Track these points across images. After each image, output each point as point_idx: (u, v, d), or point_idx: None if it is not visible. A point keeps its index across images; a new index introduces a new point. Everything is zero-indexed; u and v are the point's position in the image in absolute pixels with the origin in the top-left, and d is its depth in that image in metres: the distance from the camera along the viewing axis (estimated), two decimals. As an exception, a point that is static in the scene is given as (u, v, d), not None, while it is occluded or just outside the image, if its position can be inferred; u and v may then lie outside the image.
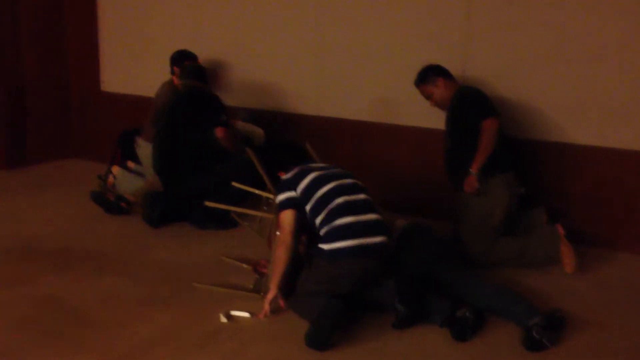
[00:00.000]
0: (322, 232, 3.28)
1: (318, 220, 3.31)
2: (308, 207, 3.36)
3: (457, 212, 4.15)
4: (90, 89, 6.64)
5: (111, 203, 4.94)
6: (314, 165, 3.60)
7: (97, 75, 6.58)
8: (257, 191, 4.05)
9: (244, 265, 3.92)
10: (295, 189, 3.40)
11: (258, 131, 5.28)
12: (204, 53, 5.64)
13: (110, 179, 5.39)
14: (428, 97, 4.26)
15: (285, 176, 3.52)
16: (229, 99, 5.63)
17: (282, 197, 3.42)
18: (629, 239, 4.33)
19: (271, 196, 3.97)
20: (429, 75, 4.24)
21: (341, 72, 5.21)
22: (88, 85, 6.65)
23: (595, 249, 4.33)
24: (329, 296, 3.14)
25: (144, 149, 5.14)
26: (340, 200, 3.31)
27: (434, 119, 4.57)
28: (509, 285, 3.71)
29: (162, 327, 3.21)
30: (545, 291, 3.72)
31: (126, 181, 5.26)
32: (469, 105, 4.07)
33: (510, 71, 4.53)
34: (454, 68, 4.39)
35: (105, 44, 6.51)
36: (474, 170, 3.92)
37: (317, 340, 3.01)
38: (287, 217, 3.37)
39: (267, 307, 3.29)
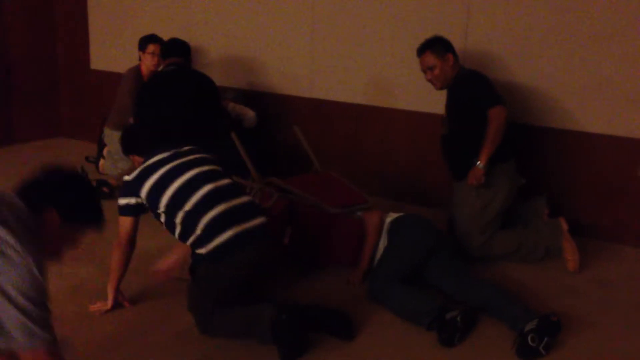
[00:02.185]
0: (193, 235, 2.84)
1: (178, 221, 2.86)
2: (160, 211, 2.92)
3: (455, 202, 3.91)
4: (79, 66, 6.41)
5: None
6: (161, 156, 3.04)
7: (87, 52, 6.35)
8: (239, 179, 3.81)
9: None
10: (138, 194, 2.95)
11: (249, 113, 5.05)
12: (194, 29, 5.41)
13: (102, 162, 5.21)
14: (429, 68, 3.79)
15: (126, 178, 3.03)
16: (220, 79, 5.40)
17: (121, 202, 2.99)
18: (636, 232, 4.09)
19: (253, 183, 3.75)
20: (439, 46, 3.80)
21: (336, 53, 4.97)
22: (77, 63, 6.43)
23: (600, 242, 4.12)
24: (243, 304, 2.82)
25: (110, 137, 4.97)
26: (204, 190, 2.89)
27: (431, 102, 4.34)
28: (505, 281, 3.53)
29: (128, 323, 3.01)
30: (543, 288, 3.51)
31: (110, 164, 5.07)
32: (475, 90, 3.73)
33: (513, 52, 4.27)
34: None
35: (94, 21, 6.27)
36: (481, 162, 3.63)
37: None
38: (125, 223, 3.01)
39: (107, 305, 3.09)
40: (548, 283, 3.58)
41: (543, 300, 3.35)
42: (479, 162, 3.63)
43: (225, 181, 2.97)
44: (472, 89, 3.74)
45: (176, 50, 4.51)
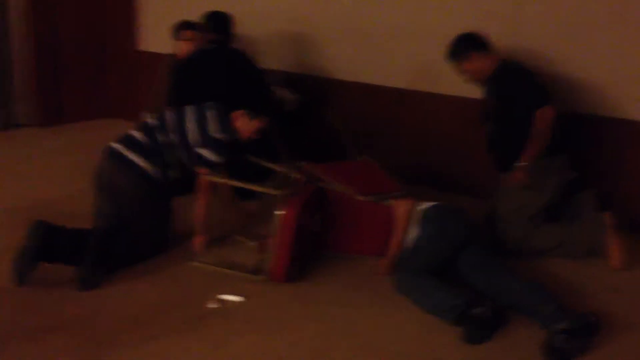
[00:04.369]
0: None
1: None
2: None
3: (499, 194, 3.75)
4: (127, 47, 6.44)
5: None
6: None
7: (135, 33, 6.37)
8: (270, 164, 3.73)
9: (250, 244, 3.64)
10: None
11: (291, 97, 4.96)
12: (239, 12, 5.33)
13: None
14: (461, 72, 3.78)
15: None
16: (263, 61, 5.32)
17: None
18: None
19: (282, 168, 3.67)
20: (459, 50, 3.72)
21: (381, 38, 4.83)
22: (125, 44, 6.45)
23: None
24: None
25: None
26: None
27: (477, 88, 4.14)
28: (544, 277, 3.36)
29: (147, 305, 2.98)
30: (584, 286, 3.33)
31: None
32: (519, 87, 3.57)
33: (565, 38, 4.05)
34: (502, 35, 3.97)
35: (144, 1, 6.28)
36: (524, 163, 3.48)
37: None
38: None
39: None
40: (588, 280, 3.39)
41: (582, 298, 3.18)
42: (521, 163, 3.48)
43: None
44: (515, 85, 3.59)
45: (216, 26, 4.27)
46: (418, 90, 4.71)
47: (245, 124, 3.41)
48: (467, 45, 3.71)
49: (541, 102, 3.48)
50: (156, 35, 6.21)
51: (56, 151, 5.53)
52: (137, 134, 3.43)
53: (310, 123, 5.16)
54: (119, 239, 3.25)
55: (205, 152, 3.34)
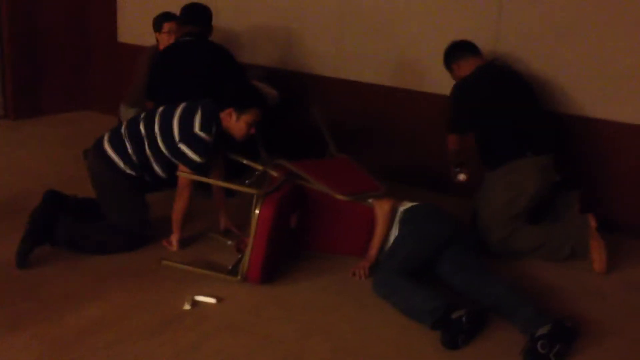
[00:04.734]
0: None
1: None
2: None
3: (480, 193, 3.70)
4: (108, 39, 6.31)
5: None
6: None
7: (114, 25, 6.24)
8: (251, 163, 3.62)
9: (228, 242, 3.54)
10: None
11: (272, 92, 4.86)
12: (221, 5, 5.24)
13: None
14: (454, 78, 3.90)
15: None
16: (244, 56, 5.23)
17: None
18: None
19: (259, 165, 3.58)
20: (448, 59, 3.88)
21: (363, 34, 4.74)
22: (106, 36, 6.32)
23: (636, 242, 3.81)
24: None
25: (125, 114, 4.74)
26: None
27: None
28: (525, 280, 3.31)
29: (116, 307, 2.87)
30: (565, 289, 3.27)
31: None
32: (451, 105, 3.79)
33: (550, 34, 3.97)
34: (486, 31, 3.94)
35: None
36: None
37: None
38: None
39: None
40: (571, 284, 3.33)
41: (563, 302, 3.11)
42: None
43: None
44: (452, 100, 3.79)
45: (193, 18, 4.16)
46: (403, 88, 4.62)
47: (232, 123, 3.28)
48: (453, 54, 3.84)
49: (448, 128, 3.75)
50: (137, 27, 6.08)
51: (23, 144, 5.39)
52: (123, 131, 3.40)
53: (291, 119, 5.06)
54: (92, 226, 3.37)
55: (186, 149, 3.23)
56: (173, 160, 3.30)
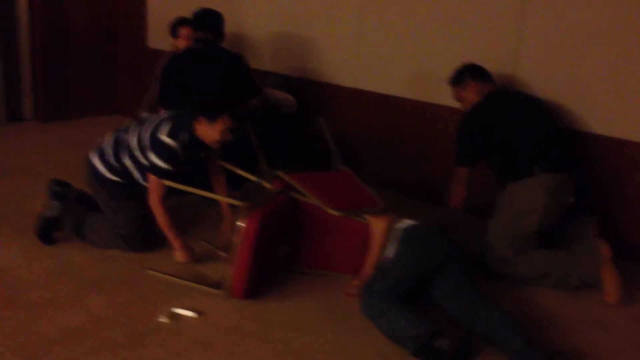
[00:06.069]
0: None
1: None
2: None
3: (494, 212, 3.53)
4: (137, 44, 6.33)
5: None
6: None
7: (144, 29, 6.26)
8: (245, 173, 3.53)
9: (221, 253, 3.46)
10: None
11: (289, 98, 4.78)
12: (242, 13, 5.18)
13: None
14: (458, 100, 3.76)
15: None
16: (263, 63, 5.17)
17: None
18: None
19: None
20: (462, 77, 3.71)
21: (382, 45, 4.61)
22: (135, 41, 6.34)
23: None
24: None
25: None
26: None
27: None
28: (526, 307, 3.12)
29: (93, 317, 2.81)
30: (571, 320, 3.06)
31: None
32: (456, 138, 3.70)
33: (571, 50, 3.77)
34: (505, 49, 3.84)
35: (154, -1, 6.18)
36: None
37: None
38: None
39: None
40: (579, 315, 3.12)
41: (568, 334, 2.91)
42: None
43: None
44: (457, 132, 3.69)
45: (204, 24, 4.10)
46: (417, 100, 4.48)
47: (205, 132, 3.22)
48: (469, 74, 3.69)
49: (456, 160, 3.67)
50: (165, 32, 6.08)
51: (51, 147, 5.42)
52: (107, 141, 3.42)
53: (305, 128, 4.96)
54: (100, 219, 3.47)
55: (153, 157, 3.18)
56: (146, 168, 3.27)
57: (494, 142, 3.52)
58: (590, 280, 3.27)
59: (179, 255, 3.34)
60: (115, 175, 3.35)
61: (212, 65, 3.99)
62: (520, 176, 3.42)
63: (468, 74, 3.69)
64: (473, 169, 3.66)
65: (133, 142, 3.29)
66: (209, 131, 3.19)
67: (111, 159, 3.34)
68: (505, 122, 3.51)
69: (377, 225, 3.19)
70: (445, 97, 4.26)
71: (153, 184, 3.24)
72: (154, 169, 3.21)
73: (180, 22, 4.66)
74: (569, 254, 3.36)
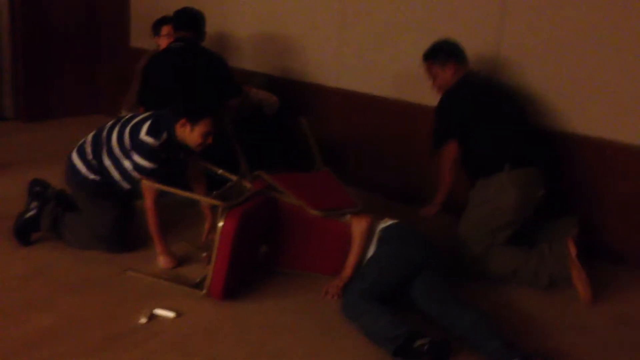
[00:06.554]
0: None
1: None
2: None
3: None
4: (119, 43, 6.30)
5: None
6: None
7: (127, 29, 6.22)
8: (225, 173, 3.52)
9: (203, 254, 3.43)
10: None
11: (271, 99, 4.77)
12: (226, 13, 5.16)
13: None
14: (432, 77, 3.66)
15: None
16: (247, 62, 5.15)
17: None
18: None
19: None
20: (440, 54, 3.60)
21: (365, 44, 4.61)
22: (117, 40, 6.31)
23: (633, 271, 3.58)
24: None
25: None
26: None
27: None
28: (502, 308, 3.11)
29: (70, 318, 2.79)
30: (549, 321, 3.05)
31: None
32: (437, 115, 3.59)
33: (552, 48, 3.78)
34: (486, 44, 3.80)
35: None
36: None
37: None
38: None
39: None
40: (557, 315, 3.11)
41: (546, 335, 2.91)
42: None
43: None
44: (437, 110, 3.59)
45: (184, 23, 4.10)
46: (403, 100, 4.48)
47: (186, 134, 3.19)
48: (448, 52, 3.59)
49: (443, 136, 3.53)
50: (148, 31, 6.05)
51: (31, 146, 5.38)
52: (88, 140, 3.40)
53: (287, 128, 4.95)
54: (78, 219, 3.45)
55: (137, 157, 3.17)
56: (128, 171, 3.25)
57: (469, 131, 3.46)
58: (559, 279, 3.26)
59: (162, 261, 3.32)
60: (95, 174, 3.33)
61: (191, 65, 3.97)
62: (490, 172, 3.40)
63: (449, 52, 3.60)
64: (461, 143, 3.53)
65: (113, 141, 3.27)
66: (190, 133, 3.17)
67: (90, 158, 3.32)
68: (482, 115, 3.47)
69: (359, 225, 3.18)
70: (428, 96, 4.27)
71: (145, 187, 3.22)
72: (140, 169, 3.19)
73: (162, 20, 4.65)
74: (536, 252, 3.33)
